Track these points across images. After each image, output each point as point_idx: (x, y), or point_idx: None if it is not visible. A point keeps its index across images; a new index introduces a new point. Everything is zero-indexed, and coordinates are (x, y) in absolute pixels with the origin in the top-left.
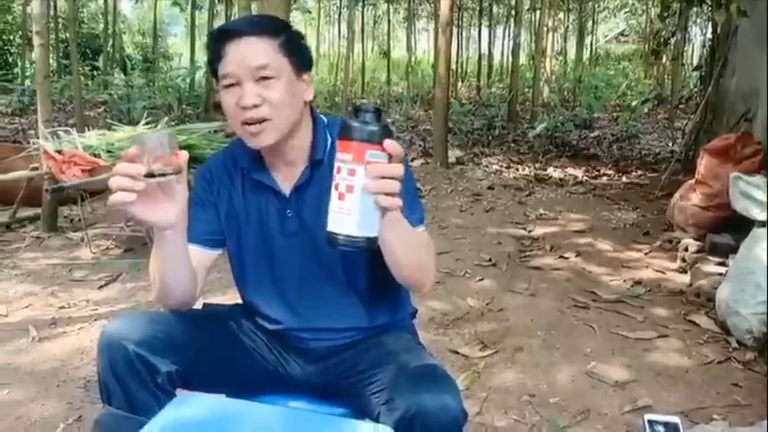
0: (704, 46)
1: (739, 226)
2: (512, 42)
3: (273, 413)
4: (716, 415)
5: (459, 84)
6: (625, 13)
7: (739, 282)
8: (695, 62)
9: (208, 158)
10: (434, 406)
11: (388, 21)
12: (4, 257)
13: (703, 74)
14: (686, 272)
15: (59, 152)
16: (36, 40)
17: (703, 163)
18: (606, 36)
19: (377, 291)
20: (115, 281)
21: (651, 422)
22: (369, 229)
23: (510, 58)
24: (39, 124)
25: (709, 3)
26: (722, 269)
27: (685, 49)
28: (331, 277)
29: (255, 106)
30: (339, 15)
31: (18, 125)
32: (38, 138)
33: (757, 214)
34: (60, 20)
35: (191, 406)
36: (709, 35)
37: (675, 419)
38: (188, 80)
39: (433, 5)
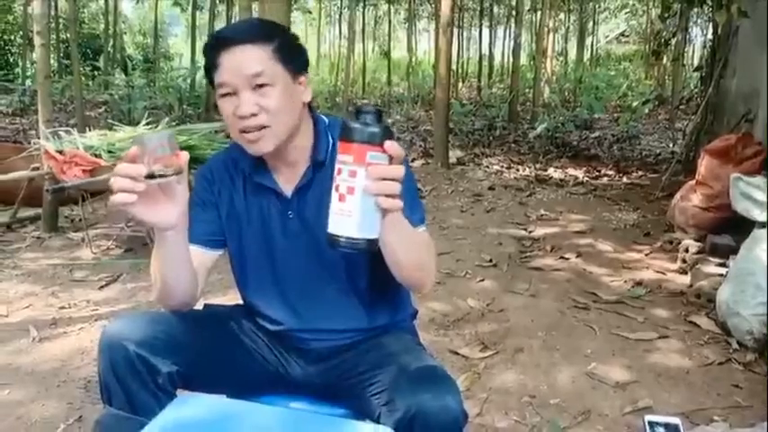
0: (705, 47)
1: (740, 227)
2: (512, 43)
3: (274, 414)
4: (716, 416)
5: (460, 84)
6: (626, 13)
7: (740, 283)
8: (696, 63)
9: (209, 159)
10: (435, 407)
11: (389, 21)
12: (5, 257)
13: (704, 74)
14: (687, 273)
15: (60, 152)
16: (37, 41)
17: (704, 164)
18: (607, 37)
19: (377, 292)
20: (116, 281)
21: (652, 423)
22: (369, 231)
23: (511, 59)
24: (40, 124)
25: (710, 3)
26: (723, 270)
27: (686, 49)
28: (332, 278)
29: (253, 115)
30: (340, 16)
31: (19, 125)
32: (39, 138)
33: (758, 215)
34: (61, 20)
35: (191, 406)
36: (709, 36)
37: (676, 420)
38: (189, 80)
39: (433, 6)
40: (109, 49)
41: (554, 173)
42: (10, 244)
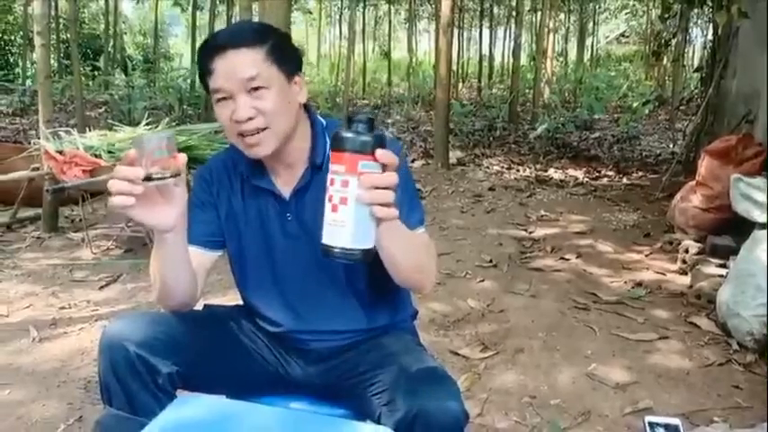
0: (705, 47)
1: (740, 228)
2: (512, 43)
3: (274, 414)
4: (716, 417)
5: (460, 85)
6: (626, 14)
7: (740, 284)
8: (696, 63)
9: (208, 159)
10: (436, 407)
11: (389, 21)
12: (5, 258)
13: (704, 75)
14: (687, 273)
15: (60, 152)
16: (37, 41)
17: (704, 164)
18: (607, 37)
19: (378, 292)
20: (116, 281)
21: (652, 424)
22: (364, 241)
23: (511, 59)
24: (40, 124)
25: (710, 4)
26: (723, 271)
27: (686, 50)
28: (332, 279)
29: (250, 118)
30: (340, 16)
31: (19, 125)
32: (39, 138)
33: (758, 216)
34: (61, 20)
35: (191, 407)
36: (709, 36)
37: (676, 421)
38: (189, 81)
39: (434, 6)
40: (109, 49)
41: (554, 173)
42: (10, 244)
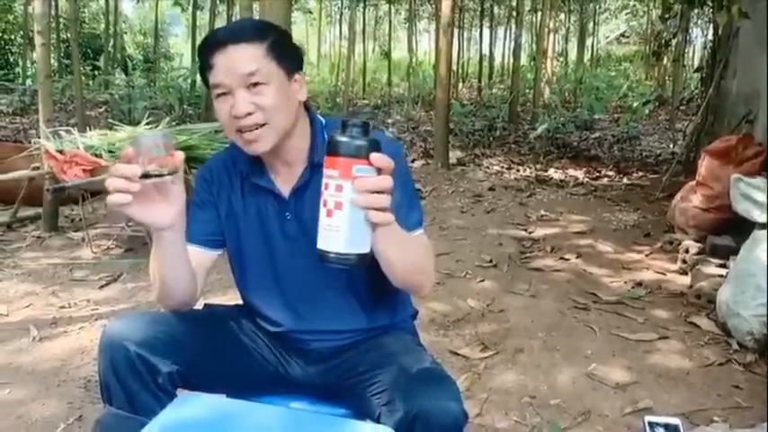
0: (705, 47)
1: (740, 228)
2: (513, 43)
3: (274, 413)
4: (716, 417)
5: (461, 85)
6: (626, 14)
7: (740, 284)
8: (696, 64)
9: (209, 159)
10: (435, 408)
11: (390, 21)
12: (5, 257)
13: (704, 75)
14: (687, 273)
15: (61, 152)
16: (38, 40)
17: (704, 164)
18: (607, 37)
19: (378, 292)
20: (116, 281)
21: (652, 424)
22: (359, 246)
23: (511, 59)
24: (40, 124)
25: (711, 4)
26: (723, 271)
27: (686, 50)
28: (332, 279)
29: (249, 114)
30: (340, 16)
31: (19, 125)
32: (39, 137)
33: (758, 216)
34: (62, 20)
35: (191, 406)
36: (710, 37)
37: (676, 421)
38: (189, 80)
39: (434, 6)
40: (109, 48)
41: (554, 173)
42: (10, 243)
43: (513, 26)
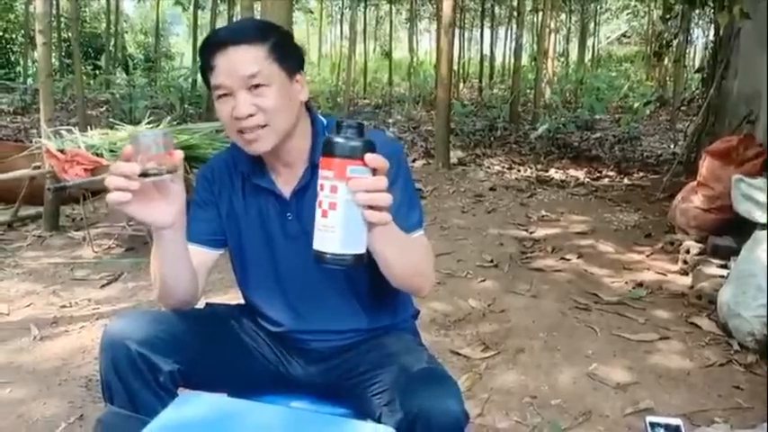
0: (706, 48)
1: (741, 228)
2: (514, 43)
3: (275, 413)
4: (717, 417)
5: (461, 85)
6: (627, 14)
7: (741, 284)
8: (697, 64)
9: (210, 158)
10: (436, 408)
11: (390, 21)
12: (6, 256)
13: (705, 76)
14: (688, 274)
15: (62, 151)
16: (39, 39)
17: (705, 165)
18: (608, 38)
19: (379, 292)
20: (117, 280)
21: (653, 424)
22: (355, 246)
23: (512, 59)
24: (41, 123)
25: (712, 5)
26: (724, 271)
27: (687, 51)
28: (333, 279)
29: (250, 115)
30: (341, 16)
31: (20, 124)
32: (40, 136)
33: (759, 216)
34: (63, 19)
35: (193, 405)
36: (711, 37)
37: (677, 421)
38: (190, 80)
39: (435, 6)
40: (110, 48)
41: (555, 174)
42: (11, 242)
43: (514, 26)
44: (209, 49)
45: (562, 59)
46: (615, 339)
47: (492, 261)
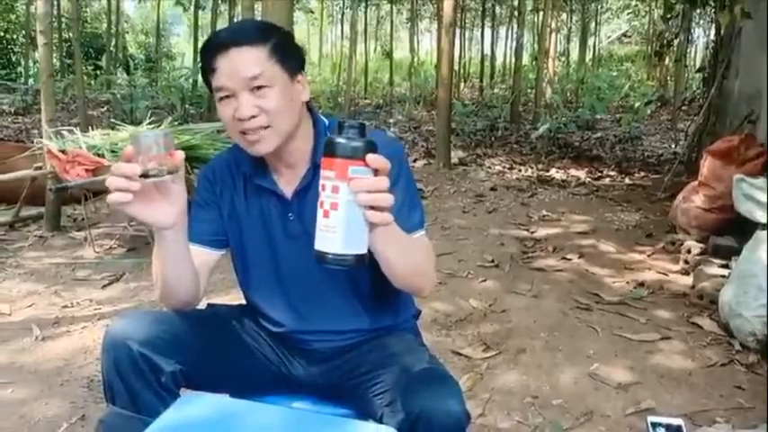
0: (707, 47)
1: (742, 228)
2: (514, 43)
3: (277, 413)
4: (719, 417)
5: (462, 84)
6: (628, 14)
7: (742, 284)
8: (698, 64)
9: (212, 159)
10: (438, 408)
11: (391, 21)
12: (8, 256)
13: (706, 75)
14: (689, 274)
15: (63, 152)
16: (40, 40)
17: (706, 165)
18: (609, 37)
19: (380, 292)
20: (118, 280)
21: (654, 424)
22: (356, 247)
23: (513, 59)
24: (42, 123)
25: (713, 4)
26: (725, 271)
27: (688, 50)
28: (334, 280)
29: (253, 117)
30: (342, 16)
31: (22, 124)
32: (41, 137)
33: (760, 216)
34: (64, 19)
35: (195, 406)
36: (712, 37)
37: (679, 422)
38: (191, 80)
39: (435, 6)
40: (111, 48)
41: (556, 173)
42: (13, 243)
43: (515, 26)
44: (210, 52)
45: (563, 59)
46: (616, 339)
47: (493, 261)
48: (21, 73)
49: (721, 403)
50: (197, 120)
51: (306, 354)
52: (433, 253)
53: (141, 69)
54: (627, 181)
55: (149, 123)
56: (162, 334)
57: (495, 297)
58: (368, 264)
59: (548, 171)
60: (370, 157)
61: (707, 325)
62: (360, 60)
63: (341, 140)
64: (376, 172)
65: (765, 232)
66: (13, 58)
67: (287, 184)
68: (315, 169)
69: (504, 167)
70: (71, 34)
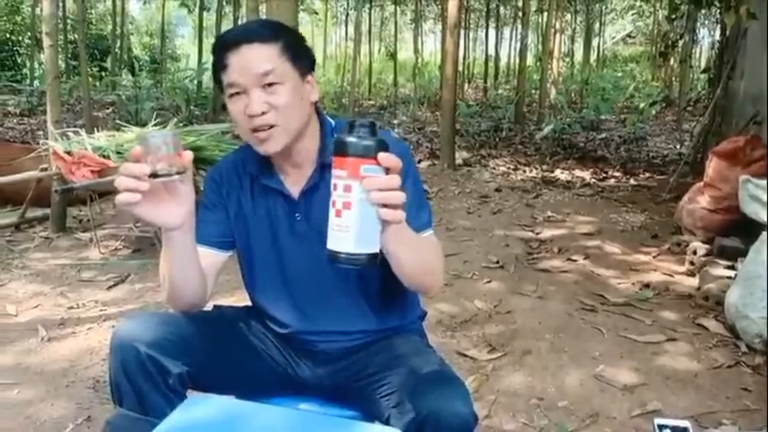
0: (712, 48)
1: (748, 229)
2: (519, 44)
3: (283, 415)
4: (725, 419)
5: (466, 85)
6: (632, 14)
7: (748, 285)
8: (703, 64)
9: (219, 161)
10: (445, 410)
11: (395, 22)
12: (14, 258)
13: (712, 76)
14: (695, 275)
15: (69, 153)
16: (46, 41)
17: (712, 166)
18: (613, 38)
19: (386, 293)
20: (124, 281)
21: (661, 426)
22: (369, 246)
23: (517, 60)
24: (48, 125)
25: (718, 5)
26: (731, 273)
27: (693, 51)
28: (341, 280)
29: (263, 113)
30: (346, 17)
31: (27, 126)
32: (47, 138)
33: (766, 217)
34: (69, 21)
35: (201, 407)
36: (717, 37)
37: (685, 423)
38: (196, 82)
39: (440, 7)
40: (116, 49)
41: (561, 174)
42: (18, 244)
43: (519, 27)
44: (221, 48)
45: (567, 60)
46: (622, 341)
47: (498, 262)
48: (26, 74)
49: (727, 405)
50: (202, 121)
51: (312, 355)
52: (442, 251)
53: (146, 71)
54: (632, 182)
55: (154, 125)
56: (169, 336)
57: (500, 298)
58: (375, 265)
59: (552, 172)
60: (381, 155)
61: (713, 326)
62: (364, 61)
63: (352, 139)
64: (387, 170)
65: None
66: (19, 60)
67: (293, 184)
68: (321, 169)
69: (509, 168)
70: (76, 36)
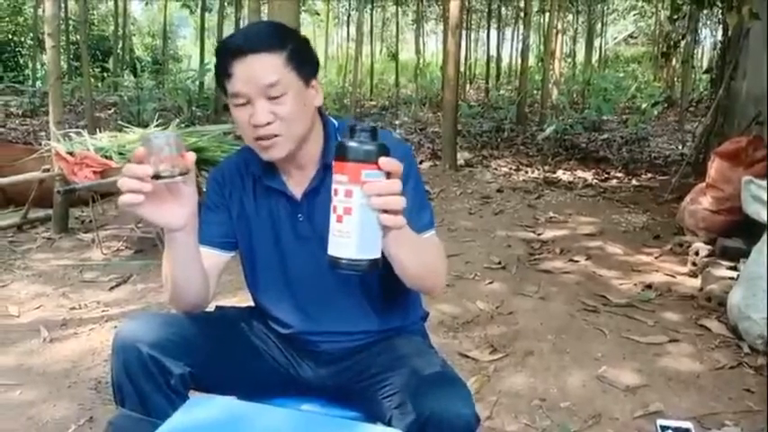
0: (715, 48)
1: (750, 230)
2: (520, 44)
3: (285, 416)
4: (728, 420)
5: (468, 86)
6: (634, 15)
7: (751, 286)
8: (705, 65)
9: (221, 162)
10: (447, 411)
11: (397, 23)
12: (16, 258)
13: (714, 76)
14: (697, 276)
15: (71, 154)
16: (48, 42)
17: (714, 166)
18: (615, 38)
19: (389, 294)
20: (126, 282)
21: (663, 427)
22: (370, 251)
23: (519, 60)
24: (50, 125)
25: (720, 5)
26: (733, 273)
27: (695, 51)
28: (343, 281)
29: (268, 123)
30: (348, 17)
31: (29, 126)
32: (49, 139)
33: None
34: (71, 22)
35: (203, 408)
36: (719, 37)
37: (688, 425)
38: (198, 82)
39: (441, 7)
40: (118, 50)
41: (563, 175)
42: (21, 245)
43: (521, 27)
44: (226, 56)
45: (569, 60)
46: (624, 342)
47: (500, 263)
48: (28, 75)
49: (730, 406)
50: (204, 122)
51: (314, 355)
52: (444, 251)
53: (148, 72)
54: (634, 182)
55: (156, 125)
56: (171, 336)
57: (502, 299)
58: (377, 270)
59: (554, 172)
60: (382, 160)
61: (715, 327)
62: (365, 62)
63: (353, 144)
64: (388, 175)
65: None
66: (21, 61)
67: (296, 185)
68: (324, 170)
69: (511, 169)
70: (78, 37)
